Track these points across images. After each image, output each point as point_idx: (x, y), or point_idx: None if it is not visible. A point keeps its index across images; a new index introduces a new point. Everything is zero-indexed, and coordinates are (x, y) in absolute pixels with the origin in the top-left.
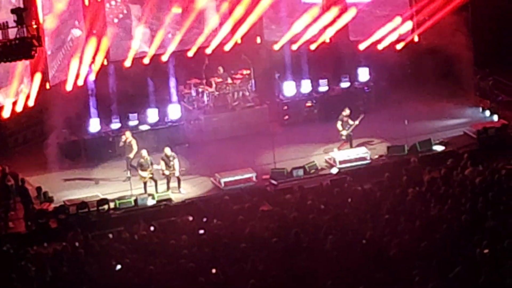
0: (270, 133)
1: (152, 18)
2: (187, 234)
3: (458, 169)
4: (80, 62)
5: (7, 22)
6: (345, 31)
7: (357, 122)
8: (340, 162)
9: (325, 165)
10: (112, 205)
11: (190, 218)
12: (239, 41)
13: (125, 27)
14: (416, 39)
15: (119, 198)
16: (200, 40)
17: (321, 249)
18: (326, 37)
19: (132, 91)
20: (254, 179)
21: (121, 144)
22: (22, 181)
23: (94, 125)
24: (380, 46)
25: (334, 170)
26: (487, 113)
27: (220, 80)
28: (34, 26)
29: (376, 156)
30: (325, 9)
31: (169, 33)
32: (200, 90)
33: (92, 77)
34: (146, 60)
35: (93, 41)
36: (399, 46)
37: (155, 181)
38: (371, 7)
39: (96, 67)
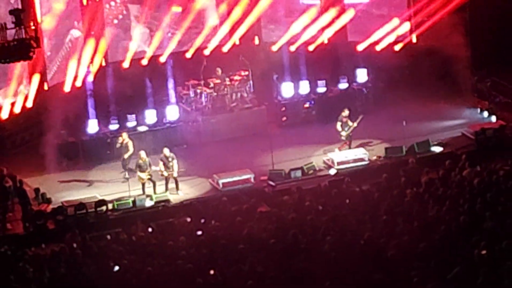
0: (268, 134)
1: (151, 18)
2: (185, 235)
3: (456, 170)
4: (79, 63)
5: (5, 23)
6: (343, 32)
7: (355, 125)
8: (338, 163)
9: (323, 166)
10: (110, 206)
11: (188, 219)
12: (237, 43)
13: (124, 28)
14: (414, 40)
15: (117, 199)
16: (199, 41)
17: (319, 250)
18: (324, 38)
19: (130, 92)
20: (252, 180)
21: (118, 145)
22: (20, 183)
23: (92, 126)
24: (378, 47)
25: (332, 171)
26: (485, 114)
27: (218, 81)
28: (33, 28)
29: (374, 157)
30: (323, 10)
31: (169, 33)
32: (198, 91)
33: (90, 78)
34: (144, 61)
35: (91, 42)
36: (397, 47)
37: (154, 182)
38: (369, 8)
39: (94, 68)
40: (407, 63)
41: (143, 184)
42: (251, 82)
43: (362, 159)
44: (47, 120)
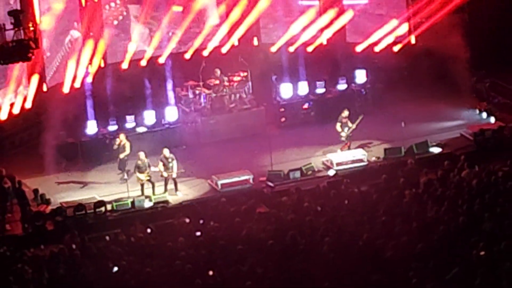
0: (267, 135)
1: (151, 17)
2: (184, 236)
3: (455, 171)
4: (77, 64)
5: (4, 24)
6: (342, 33)
7: (354, 126)
8: (337, 164)
9: (322, 167)
10: (109, 207)
11: (187, 220)
12: (236, 44)
13: (123, 29)
14: (413, 41)
15: (116, 200)
16: (198, 42)
17: (318, 251)
18: (323, 39)
19: (129, 93)
20: (251, 181)
21: (116, 146)
22: (19, 183)
23: (91, 127)
24: (377, 48)
25: (331, 172)
26: (484, 115)
27: (217, 82)
28: (31, 29)
29: (373, 158)
30: (322, 11)
31: (169, 32)
32: (197, 92)
33: (89, 79)
34: (143, 62)
35: (90, 43)
36: (396, 48)
37: (153, 183)
38: (368, 9)
39: (93, 69)
40: (406, 64)
41: (142, 185)
42: (250, 83)
43: (361, 160)
44: (46, 121)
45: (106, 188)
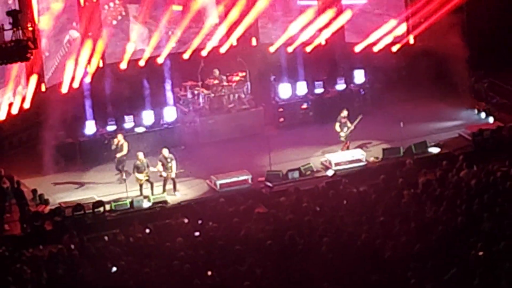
0: (266, 135)
1: (149, 17)
2: (182, 237)
3: (454, 171)
4: (76, 64)
5: (2, 24)
6: (341, 33)
7: (352, 127)
8: (336, 164)
9: (321, 167)
10: (107, 207)
11: (186, 220)
12: (234, 44)
13: (122, 29)
14: (411, 41)
15: (114, 200)
16: (196, 42)
17: (316, 251)
18: (322, 39)
19: (128, 93)
20: (249, 181)
21: (113, 147)
22: (18, 183)
23: (90, 127)
24: (375, 48)
25: (329, 172)
26: (483, 115)
27: (215, 82)
28: (30, 29)
29: (372, 158)
30: (320, 11)
31: (169, 31)
32: (195, 92)
33: (88, 79)
34: (141, 62)
35: (89, 43)
36: (394, 48)
37: (151, 184)
38: (367, 9)
39: (92, 69)
40: (405, 64)
41: (141, 185)
42: (248, 83)
43: (359, 160)
44: (45, 121)
45: (105, 188)
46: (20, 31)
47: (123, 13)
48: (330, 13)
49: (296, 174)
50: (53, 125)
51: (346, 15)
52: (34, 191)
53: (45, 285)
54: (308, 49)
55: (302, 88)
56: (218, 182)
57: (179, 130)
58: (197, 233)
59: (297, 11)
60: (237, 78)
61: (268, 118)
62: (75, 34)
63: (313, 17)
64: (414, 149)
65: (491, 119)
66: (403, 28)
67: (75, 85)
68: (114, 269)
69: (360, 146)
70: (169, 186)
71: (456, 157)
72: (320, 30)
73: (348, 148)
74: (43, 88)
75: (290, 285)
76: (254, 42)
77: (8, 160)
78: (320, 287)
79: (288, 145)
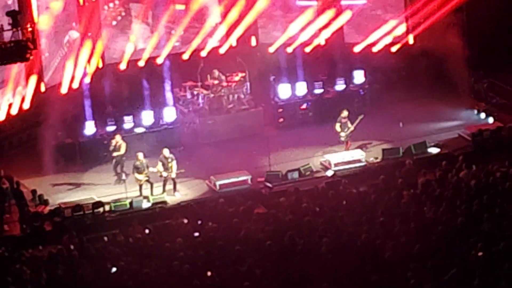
0: (265, 135)
1: (149, 17)
2: (182, 237)
3: (453, 171)
4: (76, 65)
5: (2, 25)
6: (340, 34)
7: (352, 127)
8: (336, 165)
9: (320, 167)
10: (107, 207)
11: (185, 221)
12: (234, 44)
13: (122, 29)
14: (411, 41)
15: (114, 201)
16: (196, 42)
17: (316, 252)
18: (321, 39)
19: (127, 94)
20: (249, 181)
21: (112, 148)
22: (17, 184)
23: (90, 127)
24: (375, 49)
25: (329, 173)
26: (482, 115)
27: (215, 82)
28: (29, 29)
29: (371, 159)
30: (320, 11)
31: (172, 30)
32: (195, 92)
33: (87, 80)
34: (141, 63)
35: (88, 44)
36: (394, 49)
37: (151, 184)
38: (366, 9)
39: (91, 69)
40: (404, 64)
41: (140, 186)
42: (248, 83)
43: (359, 161)
44: (44, 122)
45: (104, 189)
46: (20, 32)
47: (123, 14)
48: (329, 13)
49: (295, 175)
50: (52, 125)
51: (346, 16)
52: (33, 192)
53: (45, 286)
54: (308, 49)
55: (301, 88)
56: (218, 183)
57: (178, 130)
58: (196, 234)
59: (297, 11)
60: (236, 79)
61: (267, 119)
62: (74, 34)
63: (312, 18)
64: (414, 149)
65: (490, 120)
66: (402, 28)
67: (75, 85)
68: (114, 269)
69: (361, 147)
70: (169, 186)
71: (456, 158)
72: (320, 30)
73: (347, 148)
74: (42, 89)
75: (290, 285)
76: (253, 42)
77: (8, 160)
78: (320, 287)
79: (288, 146)
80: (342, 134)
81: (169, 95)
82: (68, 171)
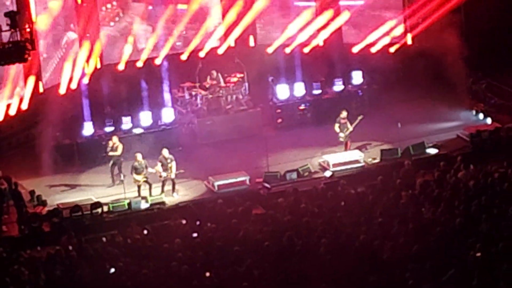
0: (264, 136)
1: (147, 18)
2: (180, 238)
3: (452, 172)
4: (74, 65)
5: (0, 25)
6: (339, 34)
7: (351, 128)
8: (334, 165)
9: (319, 168)
10: (105, 208)
11: (184, 222)
12: (232, 45)
13: (120, 30)
14: (409, 42)
15: (112, 202)
16: (194, 43)
17: (314, 252)
18: (320, 40)
19: (125, 95)
20: (247, 182)
21: (108, 148)
22: (16, 185)
23: (88, 128)
24: (373, 49)
25: (327, 173)
26: (481, 116)
27: (213, 83)
28: (28, 30)
29: (370, 159)
30: (318, 12)
31: (166, 33)
32: (193, 93)
33: (85, 80)
34: (139, 64)
35: (86, 44)
36: (392, 49)
37: (150, 185)
38: (364, 10)
39: (89, 70)
40: (402, 65)
41: (139, 186)
42: (246, 84)
43: (357, 161)
44: (43, 122)
45: (103, 190)
46: (18, 32)
47: (121, 15)
48: (328, 14)
49: (294, 175)
50: (51, 126)
51: (344, 16)
52: (32, 192)
53: (43, 287)
54: (306, 50)
55: (300, 89)
56: (216, 183)
57: (177, 131)
58: (195, 234)
59: (295, 12)
60: (235, 79)
61: (266, 119)
62: (72, 35)
63: (311, 18)
64: (412, 150)
65: (489, 120)
66: (401, 28)
67: (73, 86)
68: (112, 270)
69: (360, 147)
70: (168, 187)
71: (454, 158)
72: (318, 31)
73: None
74: (41, 89)
75: (288, 286)
76: (252, 43)
77: (6, 161)
78: None
79: (286, 146)
80: (341, 134)
81: (167, 96)
82: (66, 171)
